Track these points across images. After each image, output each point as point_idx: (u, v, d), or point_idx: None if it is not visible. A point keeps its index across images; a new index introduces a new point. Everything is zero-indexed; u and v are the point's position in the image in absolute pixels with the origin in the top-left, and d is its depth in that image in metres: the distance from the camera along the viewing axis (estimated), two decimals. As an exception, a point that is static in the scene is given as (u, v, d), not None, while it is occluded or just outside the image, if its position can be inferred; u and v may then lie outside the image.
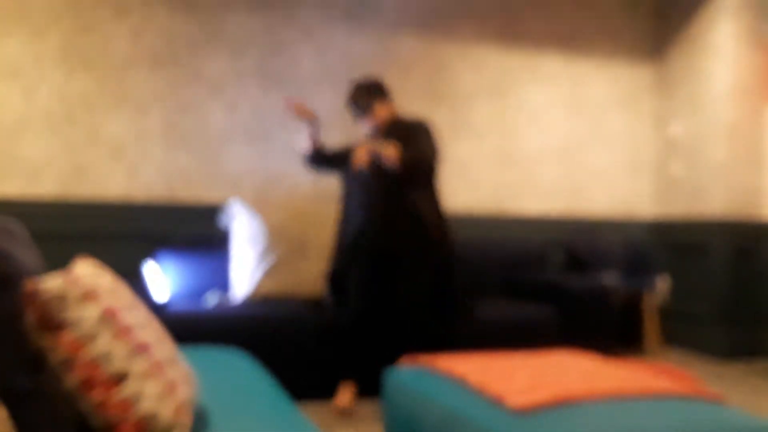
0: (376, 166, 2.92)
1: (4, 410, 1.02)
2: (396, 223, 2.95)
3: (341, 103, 4.02)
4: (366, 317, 2.94)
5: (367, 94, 3.10)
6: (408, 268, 2.94)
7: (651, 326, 4.15)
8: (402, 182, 2.93)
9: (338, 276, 3.07)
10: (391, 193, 2.95)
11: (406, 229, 2.95)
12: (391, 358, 2.86)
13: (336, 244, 3.10)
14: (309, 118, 3.13)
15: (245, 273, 3.35)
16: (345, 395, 2.89)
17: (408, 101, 4.18)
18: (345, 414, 2.83)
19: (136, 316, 1.24)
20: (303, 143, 3.23)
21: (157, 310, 2.99)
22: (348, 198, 3.09)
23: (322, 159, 3.22)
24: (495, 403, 1.58)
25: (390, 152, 2.79)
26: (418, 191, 2.97)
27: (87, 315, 1.11)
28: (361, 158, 2.81)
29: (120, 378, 1.10)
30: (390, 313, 2.96)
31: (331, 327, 3.05)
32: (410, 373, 2.00)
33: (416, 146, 2.94)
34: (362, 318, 2.94)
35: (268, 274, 3.33)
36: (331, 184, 3.98)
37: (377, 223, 2.94)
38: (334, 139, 3.97)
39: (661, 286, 4.38)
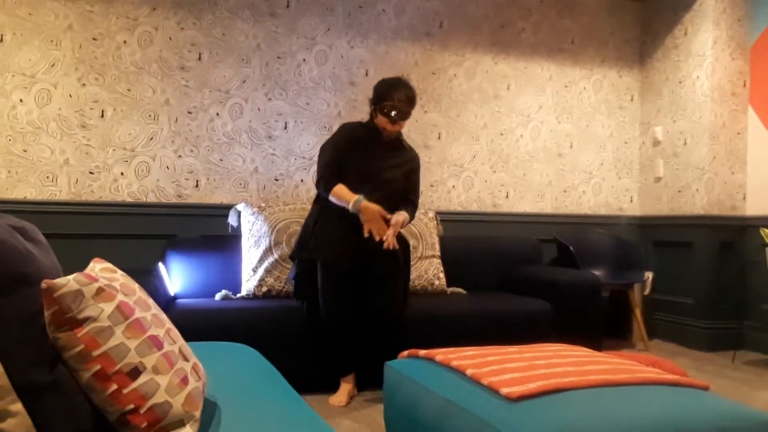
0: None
1: (20, 404, 1.02)
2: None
3: (342, 107, 4.02)
4: (338, 326, 2.93)
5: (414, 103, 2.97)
6: (389, 271, 2.95)
7: (638, 319, 4.15)
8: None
9: (305, 278, 3.00)
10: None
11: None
12: (385, 353, 2.86)
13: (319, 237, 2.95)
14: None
15: (250, 271, 3.35)
16: (341, 394, 2.89)
17: (405, 105, 4.18)
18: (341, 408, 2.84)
19: (148, 312, 1.24)
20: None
21: (167, 306, 2.99)
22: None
23: None
24: (490, 393, 1.59)
25: (404, 221, 2.92)
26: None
27: (101, 311, 1.11)
28: (389, 242, 2.81)
29: (133, 371, 1.10)
30: (369, 313, 2.97)
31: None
32: (409, 365, 2.00)
33: (412, 194, 3.05)
34: (335, 327, 2.93)
35: (272, 272, 3.33)
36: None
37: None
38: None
39: (648, 280, 4.38)
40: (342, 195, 2.86)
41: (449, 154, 4.29)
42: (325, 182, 2.92)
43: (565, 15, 4.61)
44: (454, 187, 4.30)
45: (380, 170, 2.95)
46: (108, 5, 3.60)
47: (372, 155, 2.97)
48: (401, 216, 2.89)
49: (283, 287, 3.32)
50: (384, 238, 2.80)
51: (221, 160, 3.80)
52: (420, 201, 3.26)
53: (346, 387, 2.92)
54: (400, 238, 3.03)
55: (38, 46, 3.49)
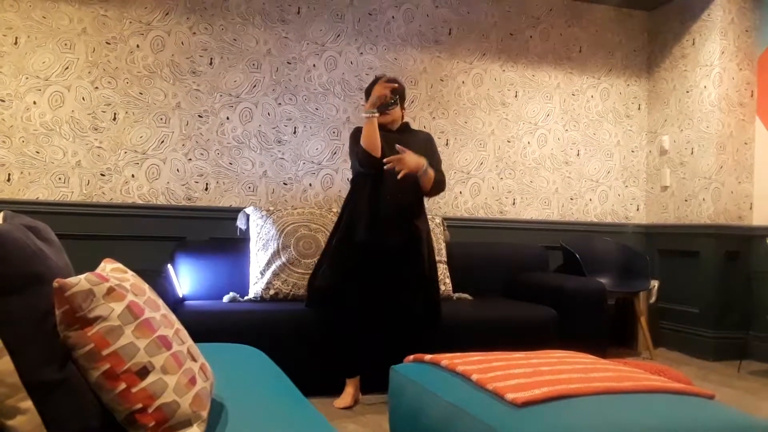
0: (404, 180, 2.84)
1: (30, 401, 1.02)
2: (402, 230, 2.94)
3: (351, 112, 4.03)
4: (367, 320, 2.92)
5: (403, 93, 3.10)
6: (405, 273, 2.93)
7: (643, 328, 4.13)
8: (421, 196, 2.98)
9: (333, 289, 2.95)
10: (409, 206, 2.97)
11: (407, 237, 2.95)
12: (394, 355, 2.85)
13: (338, 252, 2.98)
14: (384, 99, 2.89)
15: (258, 274, 3.36)
16: (346, 397, 2.89)
17: (414, 111, 4.18)
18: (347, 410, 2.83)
19: (157, 312, 1.24)
20: (371, 141, 2.87)
21: (175, 307, 3.00)
22: (366, 203, 2.96)
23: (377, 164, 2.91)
24: (496, 398, 1.58)
25: (431, 174, 2.88)
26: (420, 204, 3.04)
27: (112, 311, 1.11)
28: (408, 166, 2.77)
29: (142, 370, 1.10)
30: (390, 313, 2.95)
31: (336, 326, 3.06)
32: (414, 370, 2.00)
33: (435, 163, 2.98)
34: (362, 320, 2.92)
35: (280, 275, 3.33)
36: (338, 189, 3.98)
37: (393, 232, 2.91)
38: (344, 148, 3.97)
39: (653, 289, 4.36)
40: (363, 133, 2.87)
41: (456, 161, 4.29)
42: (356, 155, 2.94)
43: (572, 24, 4.61)
44: (461, 193, 4.30)
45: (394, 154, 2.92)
46: (121, 10, 3.63)
47: (384, 146, 2.96)
48: (420, 159, 2.83)
49: (291, 290, 3.32)
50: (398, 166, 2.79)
51: (231, 163, 3.81)
52: (427, 205, 3.26)
53: (350, 390, 2.91)
54: (427, 243, 3.02)
55: (52, 49, 3.52)
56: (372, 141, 2.85)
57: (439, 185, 2.98)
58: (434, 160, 3.01)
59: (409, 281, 2.93)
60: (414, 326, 2.93)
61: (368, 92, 3.03)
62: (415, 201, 3.00)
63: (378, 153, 2.85)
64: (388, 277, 2.91)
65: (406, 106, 3.20)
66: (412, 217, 2.97)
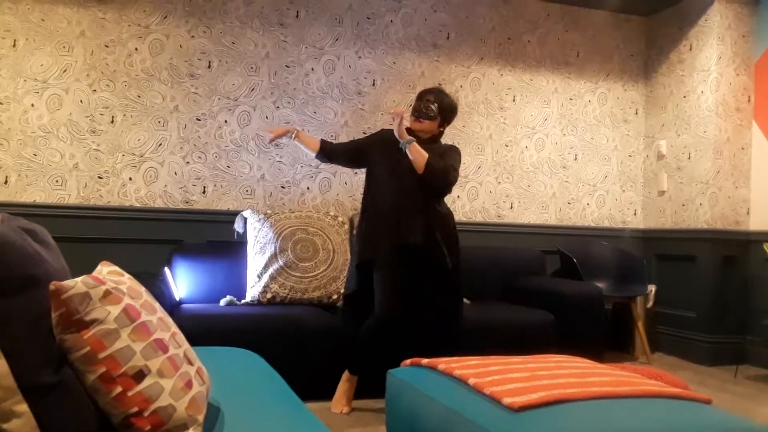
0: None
1: (26, 404, 1.02)
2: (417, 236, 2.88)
3: (348, 116, 4.03)
4: (389, 324, 2.86)
5: (443, 107, 3.00)
6: (422, 282, 2.90)
7: (640, 332, 4.13)
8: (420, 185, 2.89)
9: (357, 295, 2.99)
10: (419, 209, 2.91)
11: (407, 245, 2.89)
12: (396, 361, 2.84)
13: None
14: (284, 134, 3.18)
15: (255, 277, 3.35)
16: (340, 398, 2.87)
17: (411, 116, 4.18)
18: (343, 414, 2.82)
19: (154, 315, 1.24)
20: (306, 151, 3.25)
21: (172, 311, 2.99)
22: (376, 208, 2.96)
23: (330, 155, 3.18)
24: (493, 403, 1.58)
25: (418, 149, 2.82)
26: (437, 211, 2.95)
27: (108, 314, 1.11)
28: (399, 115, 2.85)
29: (138, 374, 1.10)
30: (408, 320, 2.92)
31: (335, 330, 3.05)
32: (412, 374, 2.00)
33: (443, 160, 2.91)
34: (385, 324, 2.86)
35: (277, 278, 3.32)
36: (335, 193, 3.98)
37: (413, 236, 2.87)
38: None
39: (651, 293, 4.36)
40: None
41: (454, 165, 4.29)
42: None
43: (570, 29, 4.62)
44: (458, 197, 4.30)
45: (402, 159, 2.90)
46: (120, 13, 3.63)
47: (398, 153, 2.93)
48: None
49: (288, 294, 3.32)
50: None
51: (228, 166, 3.81)
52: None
53: (344, 387, 2.87)
54: (450, 243, 2.95)
55: (50, 51, 3.52)
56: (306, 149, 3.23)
57: (434, 170, 2.83)
58: (442, 159, 2.91)
59: (412, 290, 2.91)
60: (419, 335, 2.91)
61: (450, 111, 3.05)
62: (417, 210, 2.91)
63: (312, 149, 3.17)
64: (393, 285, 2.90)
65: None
66: (415, 225, 2.89)
